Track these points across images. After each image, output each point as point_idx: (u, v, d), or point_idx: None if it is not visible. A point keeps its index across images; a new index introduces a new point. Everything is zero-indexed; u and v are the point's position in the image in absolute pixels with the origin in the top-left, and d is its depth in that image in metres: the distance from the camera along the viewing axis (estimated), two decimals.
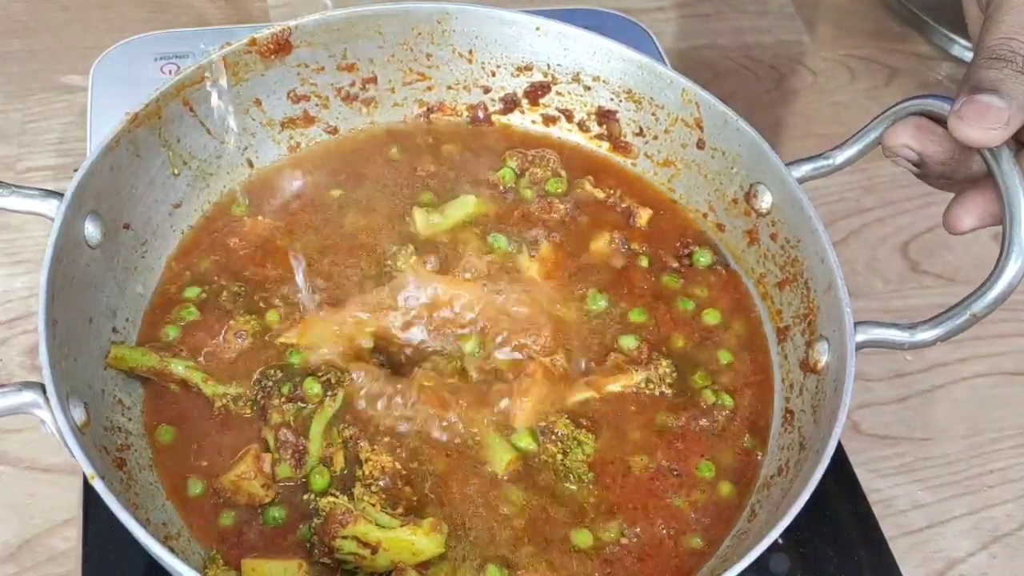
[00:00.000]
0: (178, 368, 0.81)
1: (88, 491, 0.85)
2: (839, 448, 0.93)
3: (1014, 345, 1.08)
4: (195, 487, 0.78)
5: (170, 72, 1.11)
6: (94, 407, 0.76)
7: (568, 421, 0.82)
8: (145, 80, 1.08)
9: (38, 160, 1.11)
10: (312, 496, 0.77)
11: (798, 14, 1.42)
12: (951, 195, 0.79)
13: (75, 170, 0.79)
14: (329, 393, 0.80)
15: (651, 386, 0.86)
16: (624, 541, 0.78)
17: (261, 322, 0.85)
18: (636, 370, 0.86)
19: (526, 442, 0.81)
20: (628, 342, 0.88)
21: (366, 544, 0.73)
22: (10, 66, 1.21)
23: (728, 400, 0.86)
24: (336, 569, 0.74)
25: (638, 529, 0.79)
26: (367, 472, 0.77)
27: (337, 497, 0.74)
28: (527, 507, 0.79)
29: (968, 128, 0.69)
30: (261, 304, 0.87)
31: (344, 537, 0.73)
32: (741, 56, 1.35)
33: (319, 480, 0.77)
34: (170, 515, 0.76)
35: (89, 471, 0.67)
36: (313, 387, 0.80)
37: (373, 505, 0.74)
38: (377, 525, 0.73)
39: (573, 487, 0.80)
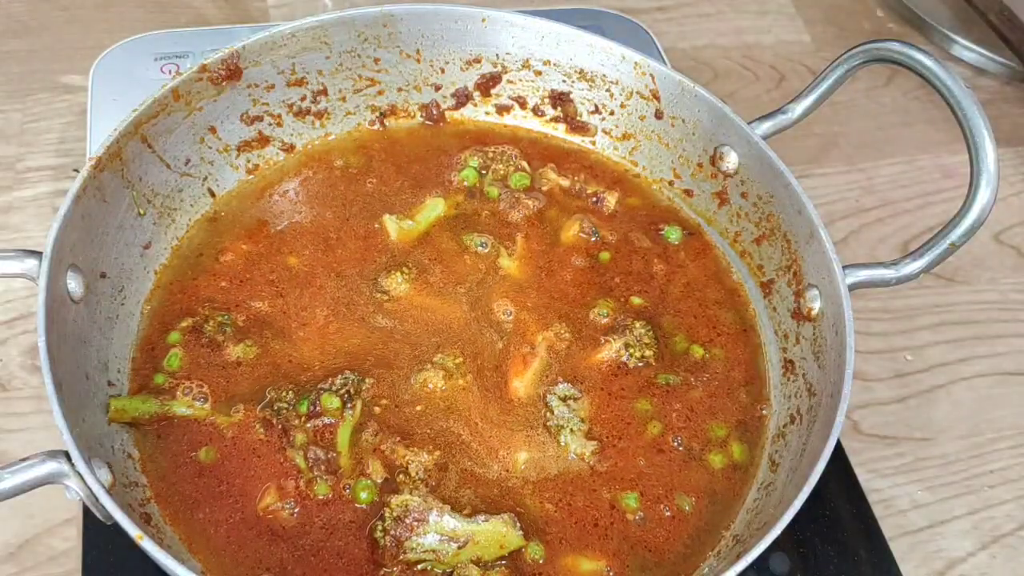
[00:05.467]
0: (180, 409, 0.81)
1: None
2: (839, 447, 0.94)
3: (1014, 345, 1.08)
4: (220, 531, 0.76)
5: (169, 72, 1.11)
6: (111, 465, 0.75)
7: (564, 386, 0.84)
8: (145, 80, 1.08)
9: (38, 160, 1.11)
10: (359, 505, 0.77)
11: (798, 14, 1.42)
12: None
13: (75, 170, 0.78)
14: (348, 405, 0.81)
15: (631, 350, 0.87)
16: (640, 513, 0.79)
17: (253, 347, 0.85)
18: (613, 339, 0.87)
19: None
20: (598, 311, 0.90)
21: (453, 539, 0.74)
22: (10, 66, 1.21)
23: (718, 354, 0.88)
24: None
25: (657, 493, 0.80)
26: (414, 474, 0.78)
27: (409, 496, 0.75)
28: (550, 494, 0.80)
29: None
30: (251, 328, 0.86)
31: (424, 535, 0.73)
32: (741, 56, 1.35)
33: (366, 494, 0.77)
34: (206, 561, 0.75)
35: (136, 532, 0.65)
36: (332, 401, 0.81)
37: (443, 505, 0.75)
38: (462, 519, 0.74)
39: (577, 457, 0.81)
